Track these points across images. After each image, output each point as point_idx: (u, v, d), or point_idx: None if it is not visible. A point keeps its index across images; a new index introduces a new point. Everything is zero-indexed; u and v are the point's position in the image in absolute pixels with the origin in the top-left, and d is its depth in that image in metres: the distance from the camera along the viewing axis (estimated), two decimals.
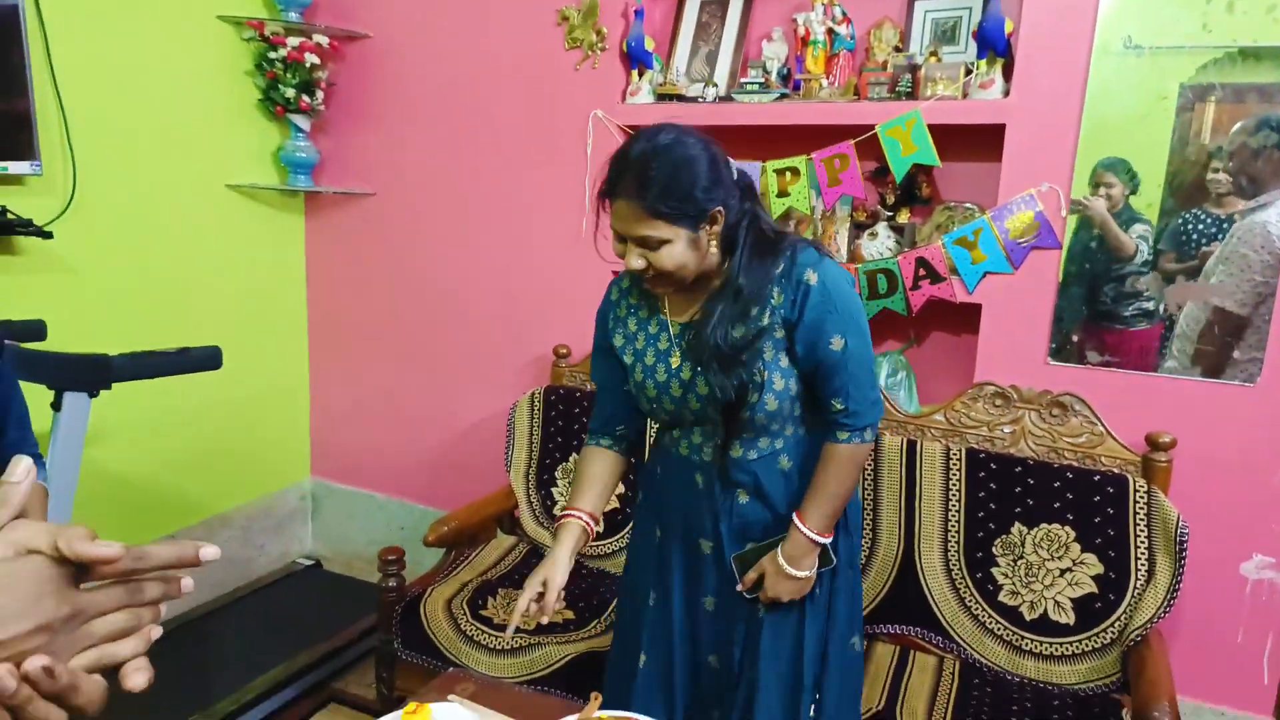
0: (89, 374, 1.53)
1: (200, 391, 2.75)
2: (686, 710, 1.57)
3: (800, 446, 1.47)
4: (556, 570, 1.51)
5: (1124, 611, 1.88)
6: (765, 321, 1.38)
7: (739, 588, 1.49)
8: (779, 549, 1.44)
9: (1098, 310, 2.05)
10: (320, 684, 2.46)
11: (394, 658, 2.09)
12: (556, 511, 2.46)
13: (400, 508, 3.09)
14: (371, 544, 3.07)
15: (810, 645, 1.50)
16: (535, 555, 2.43)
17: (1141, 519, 1.89)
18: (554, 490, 2.49)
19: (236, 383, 2.86)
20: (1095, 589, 1.92)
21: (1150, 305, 2.01)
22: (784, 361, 1.40)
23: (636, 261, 1.35)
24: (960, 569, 2.04)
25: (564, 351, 2.62)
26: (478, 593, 2.17)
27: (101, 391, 1.58)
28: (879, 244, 2.30)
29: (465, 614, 2.06)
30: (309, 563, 3.02)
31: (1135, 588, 1.88)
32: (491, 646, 1.98)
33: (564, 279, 2.66)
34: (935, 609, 2.04)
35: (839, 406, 1.40)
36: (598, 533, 1.62)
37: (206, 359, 1.73)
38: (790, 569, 1.43)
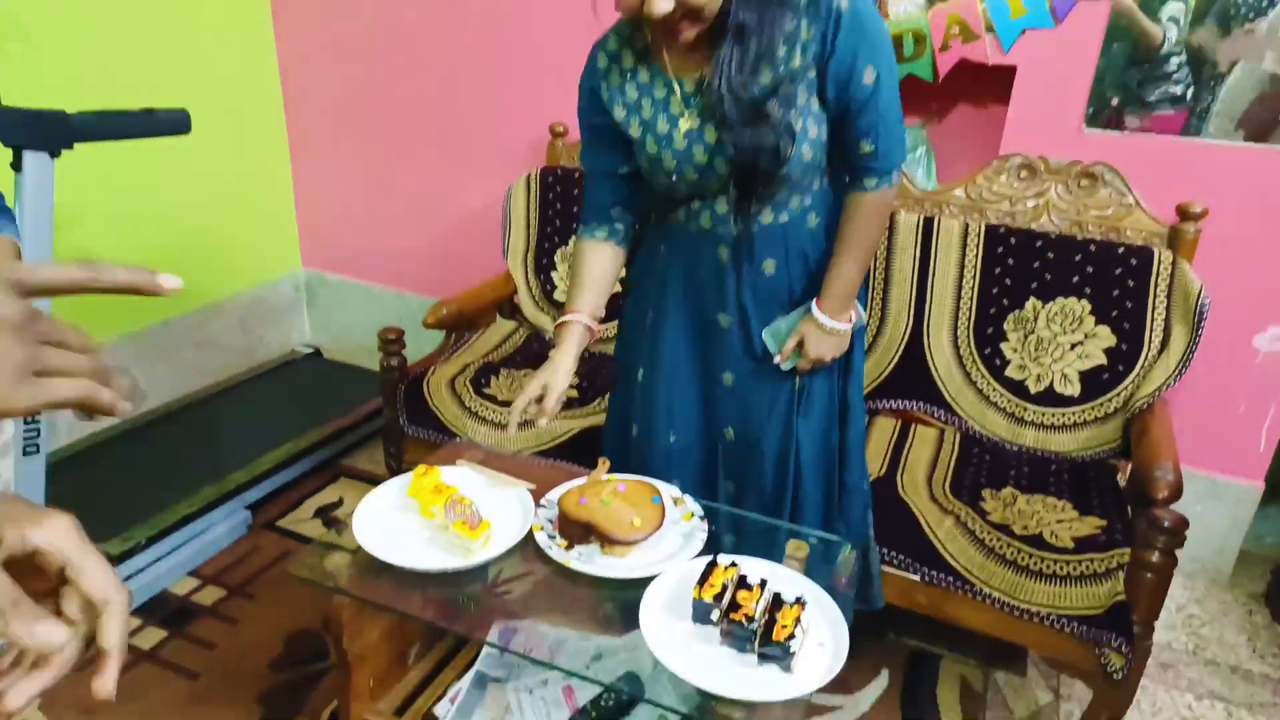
0: (46, 131, 1.40)
1: (177, 175, 2.61)
2: (696, 482, 1.59)
3: (825, 200, 1.39)
4: (557, 375, 1.46)
5: (1131, 381, 1.88)
6: (796, 63, 1.24)
7: (778, 360, 1.45)
8: (814, 308, 1.39)
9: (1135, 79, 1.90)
10: (330, 461, 2.51)
11: (400, 433, 2.11)
12: (557, 297, 2.41)
13: (396, 298, 3.04)
14: (369, 333, 3.03)
15: (836, 405, 1.50)
16: (536, 339, 2.40)
17: (1162, 291, 1.84)
18: (553, 275, 2.42)
19: (213, 168, 2.71)
20: (1104, 361, 1.91)
21: (1182, 81, 1.84)
22: (815, 106, 1.27)
23: (664, 4, 1.18)
24: (969, 346, 2.02)
25: (560, 130, 2.45)
26: (480, 373, 2.15)
27: (65, 153, 1.46)
28: (907, 1, 2.08)
29: (469, 391, 2.05)
30: (309, 350, 3.00)
31: (1146, 359, 1.87)
32: (497, 421, 1.99)
33: (559, 51, 2.45)
34: (940, 384, 2.03)
35: (868, 149, 1.29)
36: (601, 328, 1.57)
37: (174, 122, 1.59)
38: (831, 322, 1.39)
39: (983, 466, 1.88)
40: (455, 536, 1.35)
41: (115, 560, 1.91)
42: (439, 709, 1.54)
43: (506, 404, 2.02)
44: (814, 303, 1.40)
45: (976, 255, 1.99)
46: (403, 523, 1.44)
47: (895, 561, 1.67)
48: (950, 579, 1.62)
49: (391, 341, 2.06)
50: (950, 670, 1.86)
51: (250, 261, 2.96)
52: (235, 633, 1.88)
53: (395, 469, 2.18)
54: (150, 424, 2.48)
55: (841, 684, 1.78)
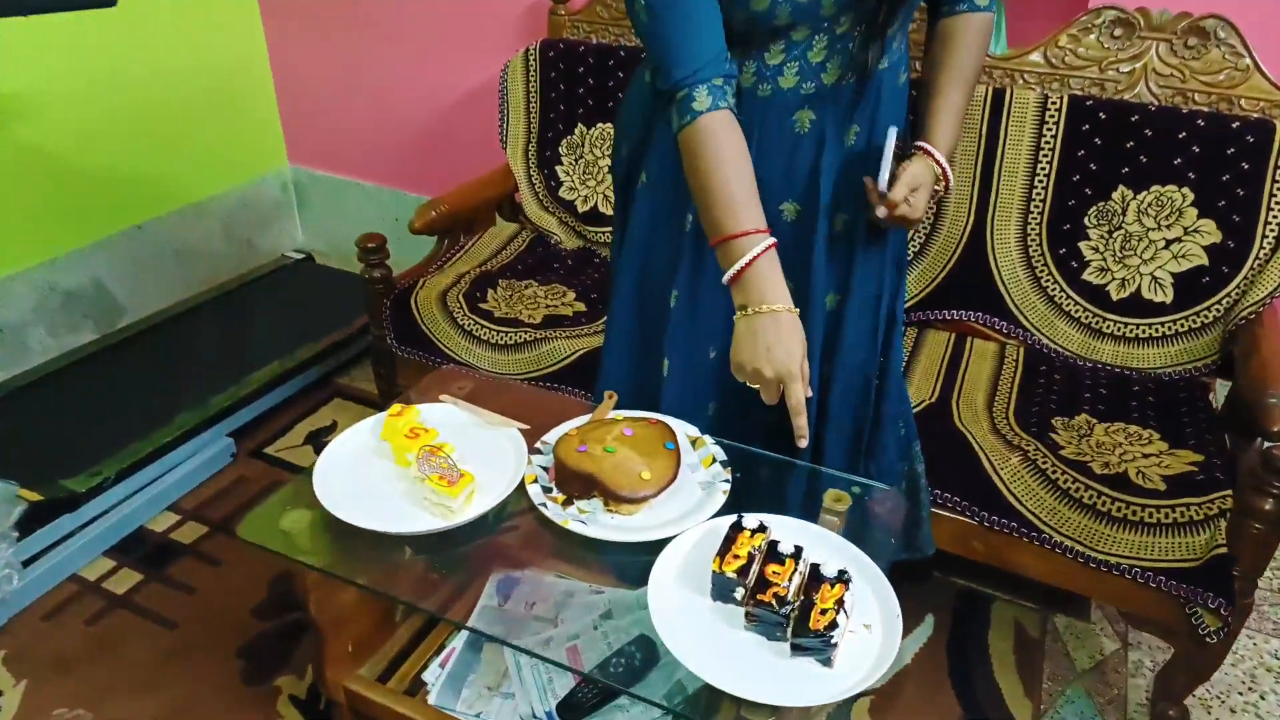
0: None
1: (142, 64, 2.32)
2: (718, 413, 1.35)
3: (906, 57, 1.14)
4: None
5: (1238, 286, 1.58)
6: None
7: (881, 212, 1.10)
8: (928, 146, 1.12)
9: None
10: (325, 378, 2.32)
11: (390, 354, 1.89)
12: (563, 195, 2.12)
13: (392, 196, 2.76)
14: (355, 234, 2.79)
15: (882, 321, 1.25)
16: (541, 243, 2.13)
17: None
18: (558, 169, 2.12)
19: (182, 58, 2.42)
20: (1205, 261, 1.61)
21: None
22: None
23: None
24: (1040, 244, 1.72)
25: None
26: (476, 284, 1.90)
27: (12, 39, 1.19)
28: None
29: (462, 307, 1.81)
30: (300, 256, 2.77)
31: (1257, 259, 1.56)
32: (492, 341, 1.75)
33: None
34: (1003, 291, 1.75)
35: None
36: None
37: None
38: (947, 165, 1.12)
39: (1052, 388, 1.62)
40: (432, 492, 1.14)
41: (84, 497, 1.75)
42: (428, 674, 1.38)
43: (504, 321, 1.78)
44: (924, 141, 1.13)
45: (1056, 134, 1.66)
46: (375, 472, 1.23)
47: (948, 504, 1.45)
48: (1014, 525, 1.40)
49: (373, 250, 1.81)
50: (1003, 614, 1.66)
51: (230, 157, 2.69)
52: (217, 575, 1.73)
53: (387, 393, 1.97)
54: (124, 343, 2.28)
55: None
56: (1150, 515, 1.32)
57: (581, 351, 1.70)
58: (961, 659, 1.57)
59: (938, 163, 1.12)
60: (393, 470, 1.22)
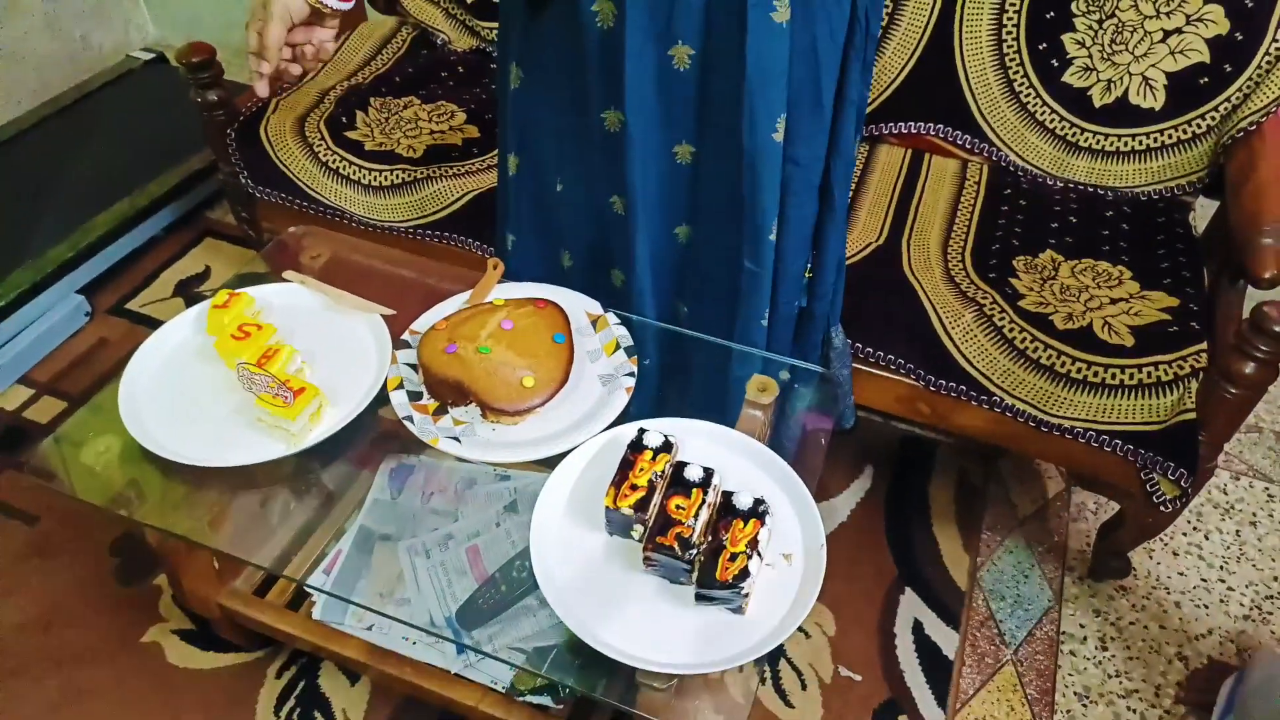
0: None
1: None
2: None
3: None
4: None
5: (1240, 88, 1.34)
6: None
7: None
8: None
9: None
10: (191, 215, 2.01)
11: (247, 194, 1.59)
12: None
13: None
14: (227, 27, 2.34)
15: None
16: (424, 44, 1.76)
17: None
18: None
19: None
20: (1206, 56, 1.35)
21: None
22: None
23: None
24: (1016, 38, 1.43)
25: None
26: (342, 104, 1.57)
27: None
28: None
29: (323, 138, 1.50)
30: (149, 56, 2.32)
31: (1268, 54, 1.31)
32: (362, 182, 1.46)
33: None
34: (969, 97, 1.48)
35: None
36: None
37: None
38: None
39: (1016, 216, 1.41)
40: (265, 414, 0.93)
41: None
42: (314, 579, 1.25)
43: (377, 155, 1.48)
44: None
45: None
46: (202, 380, 1.01)
47: (891, 365, 1.28)
48: (964, 389, 1.24)
49: (199, 66, 1.44)
50: (946, 461, 1.56)
51: None
52: None
53: (255, 239, 1.69)
54: None
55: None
56: (1113, 376, 1.16)
57: (474, 193, 1.42)
58: (900, 511, 1.49)
59: None
60: (224, 378, 1.00)
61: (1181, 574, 1.40)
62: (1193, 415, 1.13)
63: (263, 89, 0.89)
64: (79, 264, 1.76)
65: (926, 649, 1.31)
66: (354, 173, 1.46)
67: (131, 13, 2.43)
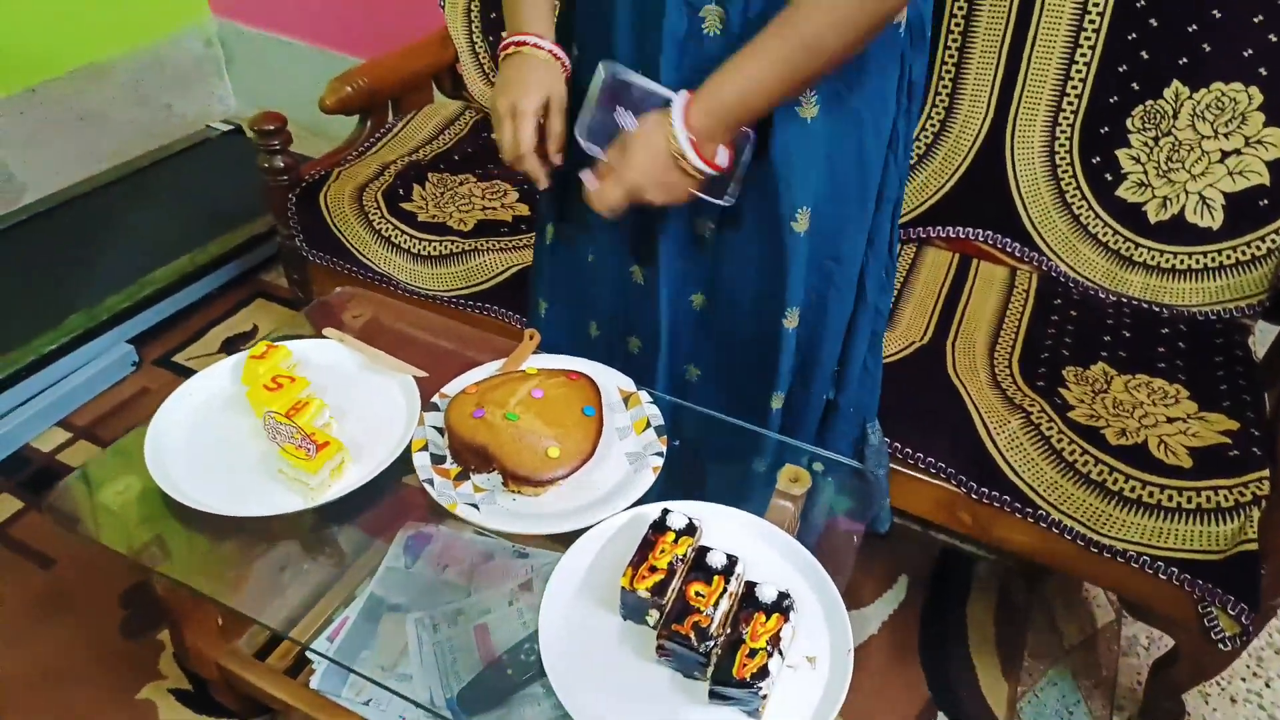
0: None
1: None
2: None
3: None
4: (540, 91, 0.92)
5: None
6: None
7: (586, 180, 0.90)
8: (675, 99, 0.84)
9: None
10: (245, 277, 2.06)
11: (301, 258, 1.63)
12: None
13: (327, 59, 2.41)
14: (300, 105, 2.46)
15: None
16: (486, 127, 1.82)
17: None
18: None
19: None
20: (1266, 179, 1.33)
21: None
22: None
23: None
24: (1069, 150, 1.43)
25: None
26: (401, 178, 1.62)
27: None
28: None
29: (379, 208, 1.54)
30: (228, 128, 2.44)
31: None
32: (412, 251, 1.49)
33: None
34: (1019, 205, 1.47)
35: None
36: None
37: None
38: (682, 132, 0.82)
39: (1066, 326, 1.38)
40: (287, 465, 0.92)
41: None
42: (317, 644, 1.20)
43: (429, 226, 1.51)
44: (683, 93, 0.83)
45: (1103, 11, 1.34)
46: (231, 429, 1.01)
47: (932, 470, 1.23)
48: (1007, 499, 1.18)
49: (270, 134, 1.51)
50: (987, 578, 1.48)
51: (138, 7, 2.32)
52: None
53: (304, 301, 1.72)
54: (13, 229, 2.00)
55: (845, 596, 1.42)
56: (1170, 498, 1.10)
57: (518, 267, 1.44)
58: (936, 629, 1.40)
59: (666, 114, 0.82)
60: (251, 429, 0.99)
61: None
62: (1255, 545, 1.05)
63: (545, 181, 0.96)
64: (133, 314, 1.81)
65: None
66: (405, 241, 1.49)
67: (215, 85, 2.58)
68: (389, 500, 1.04)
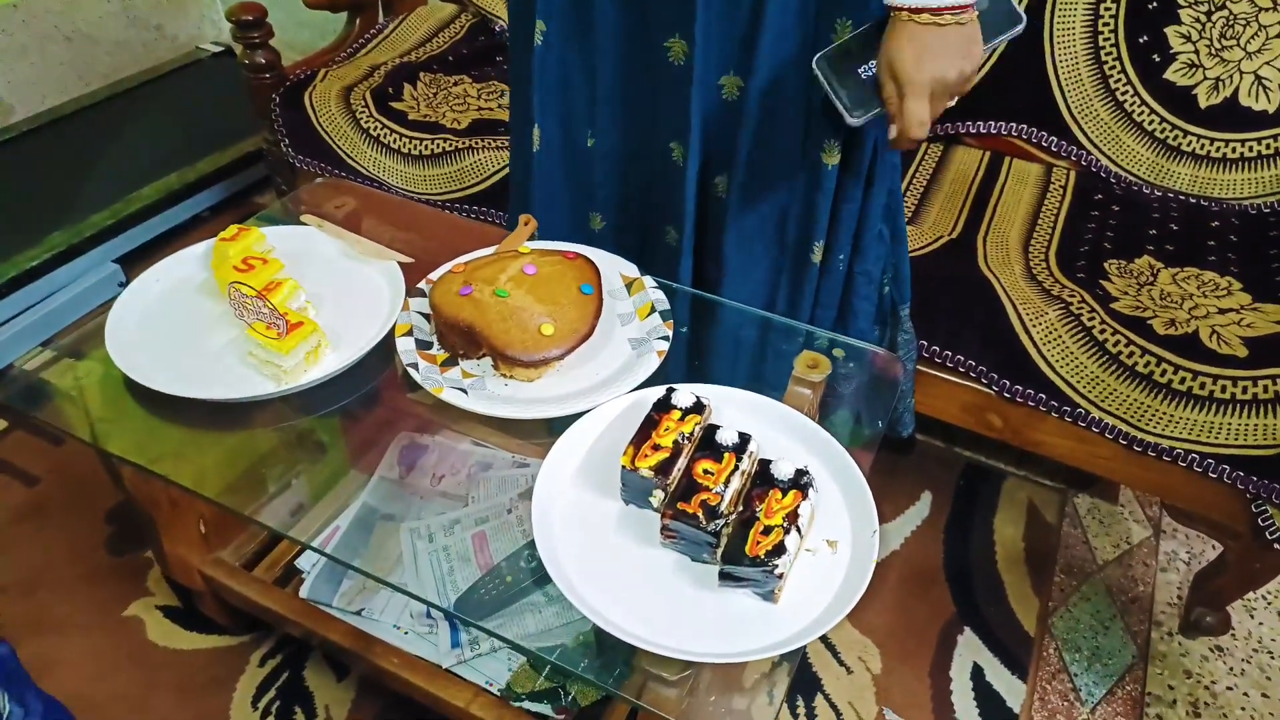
0: None
1: None
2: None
3: None
4: None
5: None
6: None
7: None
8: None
9: None
10: (237, 197, 1.98)
11: (287, 164, 1.54)
12: None
13: None
14: (298, 26, 2.35)
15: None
16: (483, 30, 1.72)
17: None
18: None
19: None
20: None
21: None
22: None
23: None
24: (1114, 30, 1.31)
25: None
26: (391, 78, 1.52)
27: None
28: None
29: (367, 106, 1.44)
30: (218, 49, 2.34)
31: None
32: (402, 150, 1.40)
33: None
34: (1058, 95, 1.36)
35: None
36: None
37: None
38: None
39: (1107, 222, 1.28)
40: (257, 346, 0.84)
41: None
42: (306, 558, 1.14)
43: (420, 125, 1.42)
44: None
45: None
46: (200, 314, 0.93)
47: (961, 368, 1.14)
48: (1044, 397, 1.10)
49: (250, 25, 1.41)
50: (1015, 493, 1.40)
51: None
52: None
53: (291, 209, 1.64)
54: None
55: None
56: (1223, 389, 1.01)
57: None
58: (960, 546, 1.32)
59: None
60: (221, 314, 0.92)
61: None
62: None
63: None
64: (119, 232, 1.74)
65: (988, 697, 1.14)
66: (395, 140, 1.39)
67: (207, 8, 2.47)
68: (382, 410, 0.96)
